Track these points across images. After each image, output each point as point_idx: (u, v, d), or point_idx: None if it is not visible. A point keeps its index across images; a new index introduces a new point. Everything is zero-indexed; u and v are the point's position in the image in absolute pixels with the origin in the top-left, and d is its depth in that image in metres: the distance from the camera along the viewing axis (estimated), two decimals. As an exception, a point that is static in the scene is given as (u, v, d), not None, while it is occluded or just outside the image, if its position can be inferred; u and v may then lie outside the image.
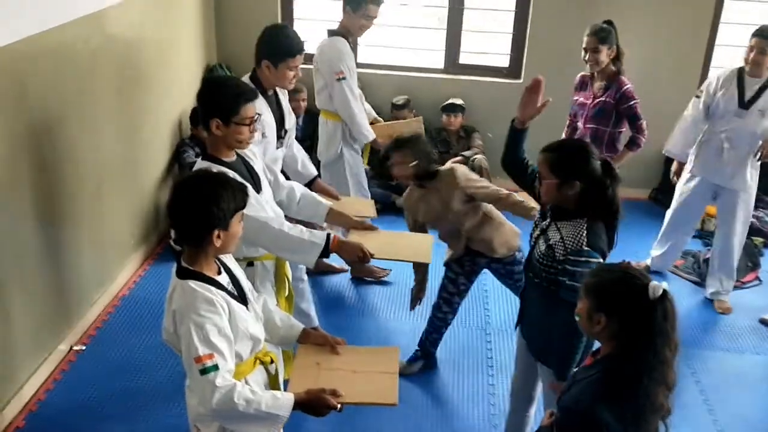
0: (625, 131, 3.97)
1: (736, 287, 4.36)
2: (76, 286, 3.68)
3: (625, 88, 3.83)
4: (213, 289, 2.02)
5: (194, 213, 1.99)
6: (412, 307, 3.58)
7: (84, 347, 3.62)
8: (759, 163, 4.03)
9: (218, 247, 2.02)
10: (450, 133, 5.31)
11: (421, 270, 3.46)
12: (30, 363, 3.30)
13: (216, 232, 1.99)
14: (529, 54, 5.32)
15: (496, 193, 3.16)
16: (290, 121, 3.43)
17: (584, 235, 2.34)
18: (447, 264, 3.41)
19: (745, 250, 4.35)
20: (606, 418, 1.81)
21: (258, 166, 2.71)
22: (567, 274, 2.34)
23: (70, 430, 3.15)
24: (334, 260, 4.01)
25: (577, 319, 1.97)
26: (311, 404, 2.05)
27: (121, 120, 4.02)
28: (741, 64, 3.92)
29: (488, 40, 6.09)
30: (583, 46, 3.85)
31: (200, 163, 2.52)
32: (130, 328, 3.80)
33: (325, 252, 2.60)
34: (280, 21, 5.24)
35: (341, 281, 4.39)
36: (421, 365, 3.59)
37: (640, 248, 4.60)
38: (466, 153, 5.13)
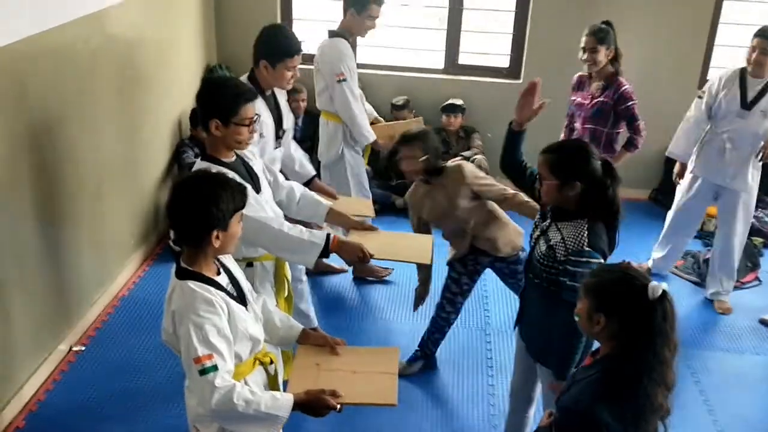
0: (623, 132, 3.97)
1: (735, 287, 4.35)
2: (76, 286, 3.68)
3: (624, 88, 3.83)
4: (212, 289, 2.01)
5: (193, 213, 1.99)
6: (416, 307, 3.57)
7: (84, 348, 3.62)
8: (760, 163, 4.02)
9: (217, 248, 2.02)
10: (450, 133, 5.31)
11: (424, 270, 3.45)
12: (30, 363, 3.30)
13: (215, 233, 1.99)
14: (529, 54, 5.32)
15: (502, 192, 3.16)
16: (288, 121, 3.43)
17: (585, 235, 2.34)
18: (450, 264, 3.41)
19: (744, 250, 4.35)
20: (605, 418, 1.81)
21: (257, 167, 2.71)
22: (568, 274, 2.34)
23: (69, 431, 3.15)
24: (334, 260, 4.01)
25: (576, 319, 1.98)
26: (311, 405, 2.05)
27: (121, 120, 4.02)
28: (743, 64, 3.91)
29: (488, 41, 6.08)
30: (581, 45, 3.85)
31: (199, 164, 2.52)
32: (130, 329, 3.80)
33: (325, 252, 2.59)
34: (279, 21, 5.24)
35: (341, 281, 4.39)
36: (421, 365, 3.59)
37: (640, 249, 4.60)
38: (466, 153, 5.13)
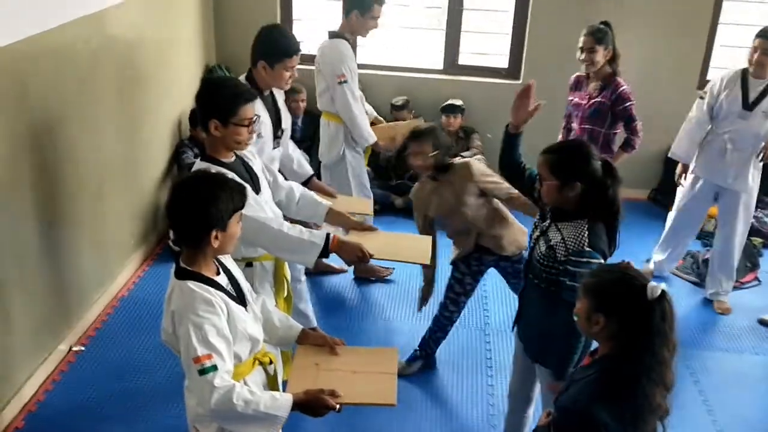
0: (620, 133, 3.97)
1: (735, 288, 4.36)
2: (76, 286, 3.68)
3: (622, 89, 3.83)
4: (212, 289, 2.02)
5: (192, 213, 1.99)
6: (420, 307, 3.57)
7: (83, 348, 3.62)
8: (761, 164, 4.02)
9: (216, 248, 2.03)
10: (449, 133, 5.30)
11: (429, 270, 3.45)
12: (29, 363, 3.30)
13: (214, 233, 1.99)
14: (528, 55, 5.33)
15: (508, 191, 3.15)
16: (287, 121, 3.44)
17: (585, 235, 2.34)
18: (454, 263, 3.40)
19: (744, 250, 4.35)
20: (603, 418, 1.81)
21: (257, 167, 2.71)
22: (568, 274, 2.34)
23: (69, 431, 3.15)
24: (334, 260, 4.01)
25: (575, 319, 1.98)
26: (310, 405, 2.05)
27: (121, 120, 4.02)
28: (744, 65, 3.90)
29: (487, 41, 6.08)
30: (579, 45, 3.85)
31: (199, 164, 2.52)
32: (130, 329, 3.80)
33: (325, 252, 2.59)
34: (279, 21, 5.24)
35: (341, 281, 4.39)
36: (420, 365, 3.60)
37: (640, 249, 4.60)
38: (465, 154, 5.13)
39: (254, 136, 2.65)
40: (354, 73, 3.98)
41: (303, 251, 2.59)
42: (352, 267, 4.36)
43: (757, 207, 4.37)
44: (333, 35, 3.98)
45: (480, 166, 3.24)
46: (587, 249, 2.33)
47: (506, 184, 3.20)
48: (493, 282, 3.79)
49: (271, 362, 2.27)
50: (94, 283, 3.86)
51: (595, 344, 2.05)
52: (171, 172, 4.71)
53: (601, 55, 3.81)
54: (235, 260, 2.34)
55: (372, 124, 4.19)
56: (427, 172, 3.23)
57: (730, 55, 5.37)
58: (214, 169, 2.33)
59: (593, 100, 3.88)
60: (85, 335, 3.72)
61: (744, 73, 3.90)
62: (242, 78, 3.22)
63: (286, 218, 2.76)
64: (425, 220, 3.35)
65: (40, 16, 3.14)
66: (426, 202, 3.30)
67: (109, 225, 3.97)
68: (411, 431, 3.24)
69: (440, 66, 5.54)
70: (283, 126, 3.40)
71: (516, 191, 3.13)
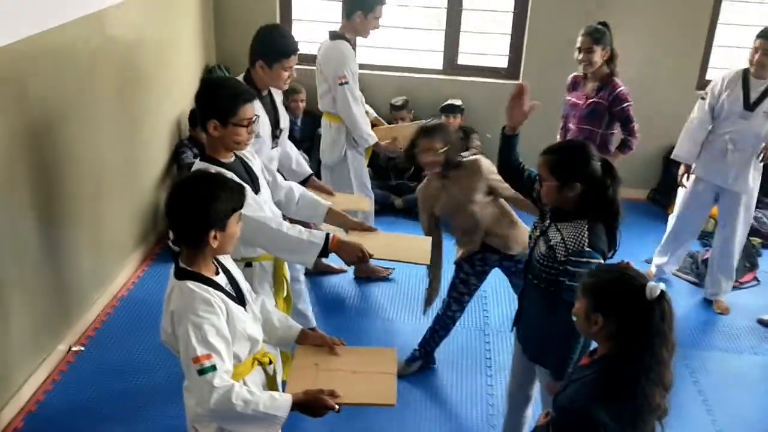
0: (617, 133, 3.96)
1: (734, 287, 4.36)
2: (75, 286, 3.68)
3: (619, 90, 3.82)
4: (211, 289, 2.02)
5: (190, 213, 1.99)
6: (425, 309, 3.56)
7: (83, 348, 3.62)
8: (761, 164, 4.01)
9: (215, 248, 2.03)
10: (449, 133, 5.31)
11: (435, 272, 3.44)
12: (28, 364, 3.30)
13: (212, 233, 1.99)
14: (528, 55, 5.33)
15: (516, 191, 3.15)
16: (285, 121, 3.44)
17: (585, 235, 2.34)
18: (458, 264, 3.39)
19: (743, 250, 4.35)
20: (602, 418, 1.81)
21: (256, 167, 2.71)
22: (567, 274, 2.34)
23: (68, 431, 3.15)
24: (333, 261, 4.01)
25: (574, 319, 1.98)
26: (309, 405, 2.05)
27: (121, 120, 4.02)
28: (744, 65, 3.89)
29: (487, 41, 6.09)
30: (577, 46, 3.85)
31: (198, 164, 2.52)
32: (129, 329, 3.80)
33: (324, 252, 2.60)
34: (278, 21, 5.24)
35: (340, 281, 4.39)
36: (420, 365, 3.60)
37: (639, 249, 4.60)
38: (464, 154, 5.12)
39: (253, 136, 2.65)
40: (355, 74, 3.98)
41: (302, 251, 2.59)
42: (352, 267, 4.36)
43: (756, 207, 4.37)
44: (334, 36, 3.98)
45: (489, 163, 3.24)
46: (587, 249, 2.33)
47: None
48: (492, 282, 3.78)
49: (270, 362, 2.27)
50: (94, 283, 3.86)
51: (594, 344, 2.05)
52: (170, 172, 4.71)
53: (598, 56, 3.81)
54: (235, 260, 2.34)
55: (373, 125, 4.19)
56: (437, 169, 3.21)
57: (729, 55, 5.38)
58: (214, 169, 2.34)
59: (590, 101, 3.88)
60: (85, 335, 3.72)
61: (745, 73, 3.89)
62: (240, 78, 3.22)
63: (285, 218, 2.76)
64: (431, 218, 3.33)
65: (40, 16, 3.14)
66: (433, 200, 3.28)
67: (108, 225, 3.97)
68: (410, 431, 3.24)
69: (440, 66, 5.53)
70: (282, 126, 3.40)
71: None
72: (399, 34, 5.69)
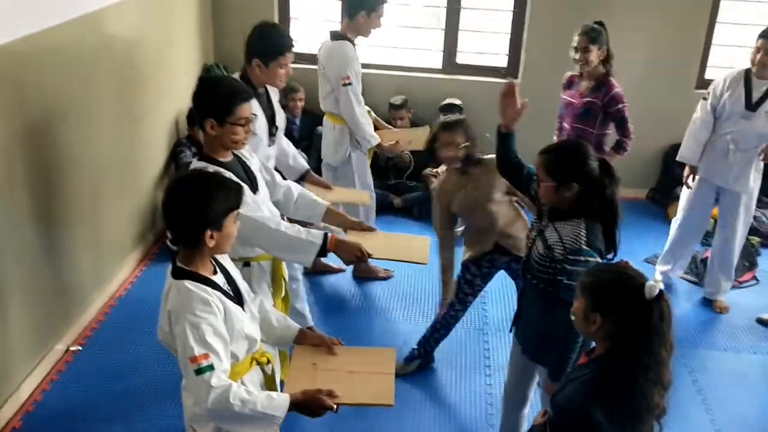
0: (611, 134, 3.95)
1: (733, 287, 4.36)
2: (73, 285, 3.67)
3: (615, 91, 3.80)
4: (209, 289, 2.01)
5: (186, 213, 1.99)
6: (441, 315, 3.51)
7: (80, 347, 3.62)
8: (762, 164, 3.99)
9: (212, 247, 2.02)
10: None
11: (448, 276, 3.39)
12: (27, 363, 3.30)
13: (209, 233, 1.98)
14: (527, 54, 5.32)
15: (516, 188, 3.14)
16: (281, 119, 3.43)
17: (583, 234, 2.34)
18: (465, 265, 3.36)
19: (742, 249, 4.34)
20: (599, 418, 1.81)
21: (254, 166, 2.71)
22: (566, 273, 2.34)
23: (66, 431, 3.14)
24: (332, 260, 4.01)
25: (573, 318, 1.97)
26: (307, 405, 2.04)
27: (119, 119, 4.02)
28: (745, 65, 3.87)
29: (486, 40, 6.08)
30: (574, 45, 3.83)
31: (196, 164, 2.51)
32: (127, 329, 3.79)
33: (323, 251, 2.59)
34: (276, 20, 5.23)
35: (339, 281, 4.39)
36: (418, 364, 3.59)
37: (639, 248, 4.60)
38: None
39: (251, 135, 2.64)
40: (358, 75, 3.98)
41: (301, 250, 2.58)
42: (351, 266, 4.35)
43: (756, 206, 4.36)
44: (336, 36, 3.96)
45: None
46: (584, 248, 2.33)
47: None
48: (491, 282, 3.77)
49: (268, 362, 2.26)
50: (92, 282, 3.86)
51: (593, 343, 2.05)
52: (169, 171, 4.70)
53: (595, 55, 3.79)
54: (233, 260, 2.33)
55: (375, 128, 4.18)
56: (456, 164, 3.19)
57: (728, 54, 5.38)
58: (212, 168, 2.33)
59: (585, 99, 3.86)
60: (83, 335, 3.71)
61: (747, 73, 3.86)
62: (237, 76, 3.21)
63: (284, 218, 2.76)
64: (445, 215, 3.30)
65: (39, 15, 3.14)
66: (450, 196, 3.24)
67: (106, 224, 3.96)
68: (409, 430, 3.24)
69: (439, 65, 5.53)
70: (278, 123, 3.39)
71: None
72: (398, 33, 5.69)
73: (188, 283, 1.99)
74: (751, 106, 3.86)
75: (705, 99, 4.04)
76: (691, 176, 4.13)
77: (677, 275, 4.49)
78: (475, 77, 5.43)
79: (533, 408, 2.87)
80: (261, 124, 3.20)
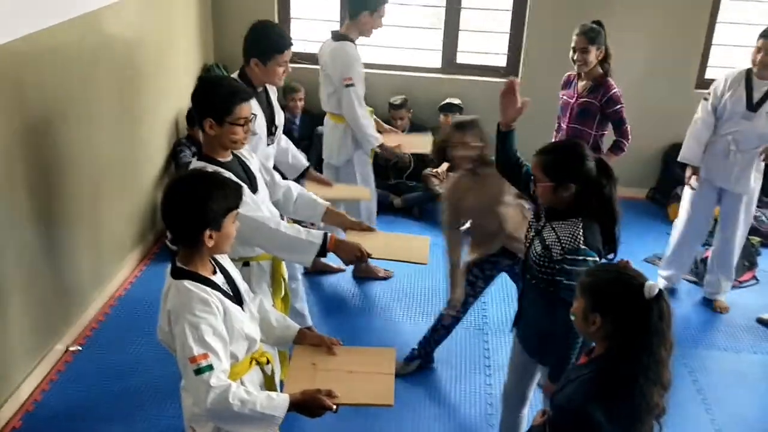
0: (608, 134, 3.94)
1: (733, 286, 4.35)
2: (74, 286, 3.67)
3: (613, 92, 3.78)
4: (208, 289, 2.01)
5: (185, 212, 1.98)
6: (447, 317, 3.49)
7: (80, 347, 3.62)
8: (762, 165, 3.98)
9: (211, 247, 2.02)
10: (447, 133, 5.30)
11: (455, 278, 3.36)
12: (26, 363, 3.30)
13: (208, 232, 1.98)
14: (527, 54, 5.32)
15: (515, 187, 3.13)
16: (280, 118, 3.43)
17: (581, 234, 2.34)
18: (468, 266, 3.35)
19: (742, 249, 4.34)
20: (598, 418, 1.81)
21: (254, 166, 2.70)
22: (564, 273, 2.34)
23: (66, 431, 3.14)
24: (332, 260, 4.01)
25: (572, 318, 1.97)
26: (306, 405, 2.04)
27: (119, 119, 4.02)
28: (745, 64, 3.86)
29: (485, 40, 6.08)
30: (572, 45, 3.82)
31: (195, 164, 2.51)
32: (127, 329, 3.79)
33: (323, 251, 2.59)
34: (276, 20, 5.23)
35: (339, 281, 4.39)
36: (418, 364, 3.59)
37: (638, 248, 4.60)
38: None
39: (250, 135, 2.64)
40: (361, 76, 3.98)
41: (301, 250, 2.59)
42: (351, 266, 4.35)
43: (756, 206, 4.35)
44: (337, 37, 3.96)
45: None
46: (582, 247, 2.32)
47: None
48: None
49: (268, 362, 2.26)
50: (92, 282, 3.86)
51: (593, 343, 2.05)
52: (169, 171, 4.70)
53: (593, 55, 3.78)
54: (232, 260, 2.33)
55: (378, 132, 4.18)
56: (467, 165, 3.17)
57: (728, 54, 5.38)
58: (211, 168, 2.32)
59: (582, 99, 3.85)
60: (83, 335, 3.71)
61: (748, 73, 3.85)
62: (235, 76, 3.21)
63: (283, 218, 2.76)
64: (454, 215, 3.28)
65: (39, 15, 3.14)
66: (461, 197, 3.22)
67: (106, 224, 3.96)
68: (409, 430, 3.24)
69: (438, 65, 5.53)
70: (277, 122, 3.39)
71: None
72: (398, 32, 5.69)
73: (188, 283, 1.99)
74: (752, 106, 3.85)
75: (706, 99, 4.03)
76: (694, 177, 4.13)
77: (680, 278, 4.45)
78: (475, 77, 5.43)
79: (533, 408, 2.87)
80: (260, 123, 3.20)
